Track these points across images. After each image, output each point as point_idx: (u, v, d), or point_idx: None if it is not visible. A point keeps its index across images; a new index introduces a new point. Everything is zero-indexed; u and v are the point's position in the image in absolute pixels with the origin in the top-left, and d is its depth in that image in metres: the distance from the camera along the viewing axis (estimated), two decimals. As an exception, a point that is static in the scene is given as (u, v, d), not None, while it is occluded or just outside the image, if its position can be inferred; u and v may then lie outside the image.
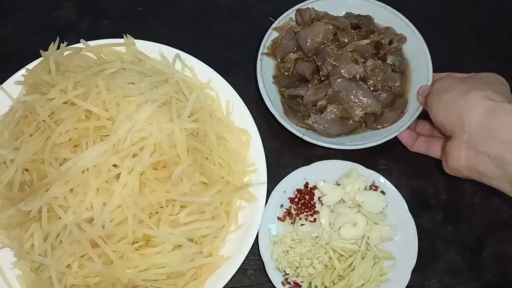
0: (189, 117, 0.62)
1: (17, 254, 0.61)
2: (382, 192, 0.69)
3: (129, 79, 0.63)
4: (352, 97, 0.70)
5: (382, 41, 0.74)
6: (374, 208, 0.68)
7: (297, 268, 0.65)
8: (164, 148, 0.59)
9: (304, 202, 0.69)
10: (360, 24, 0.75)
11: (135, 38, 0.70)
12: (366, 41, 0.73)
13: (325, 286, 0.65)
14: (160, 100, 0.61)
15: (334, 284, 0.65)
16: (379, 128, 0.72)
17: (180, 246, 0.60)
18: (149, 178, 0.58)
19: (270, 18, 0.78)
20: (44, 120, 0.59)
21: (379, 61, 0.72)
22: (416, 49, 0.75)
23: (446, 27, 0.86)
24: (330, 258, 0.65)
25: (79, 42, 0.69)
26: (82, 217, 0.56)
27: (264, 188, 0.65)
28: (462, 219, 0.71)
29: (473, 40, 0.85)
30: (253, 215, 0.64)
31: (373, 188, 0.70)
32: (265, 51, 0.76)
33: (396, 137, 0.72)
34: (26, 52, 0.68)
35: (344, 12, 0.78)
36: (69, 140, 0.58)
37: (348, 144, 0.69)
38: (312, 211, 0.69)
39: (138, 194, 0.58)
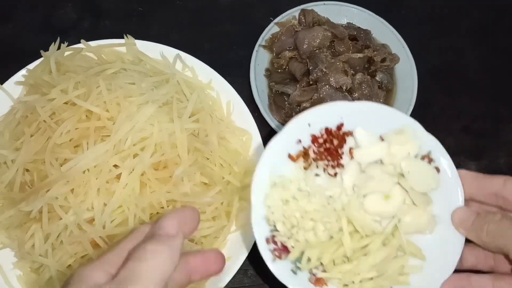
0: (190, 117, 0.62)
1: (17, 255, 0.61)
2: (437, 169, 0.51)
3: (130, 80, 0.63)
4: None
5: (375, 57, 0.75)
6: (421, 185, 0.50)
7: (293, 227, 0.49)
8: (164, 149, 0.59)
9: (330, 148, 0.52)
10: (357, 37, 0.77)
11: (136, 39, 0.70)
12: (360, 55, 0.74)
13: (321, 263, 0.49)
14: (161, 101, 0.61)
15: (334, 264, 0.49)
16: None
17: (181, 246, 0.60)
18: (150, 178, 0.58)
19: (270, 18, 0.78)
20: (44, 121, 0.59)
21: (368, 77, 0.74)
22: (406, 71, 0.76)
23: (446, 27, 0.86)
24: (341, 229, 0.49)
25: (80, 43, 0.69)
26: (83, 217, 0.56)
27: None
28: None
29: (473, 40, 0.85)
30: (254, 215, 0.64)
31: (427, 159, 0.52)
32: (263, 43, 0.76)
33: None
34: (26, 52, 0.68)
35: (346, 21, 0.79)
36: (69, 141, 0.58)
37: None
38: (336, 162, 0.51)
39: (138, 195, 0.58)
